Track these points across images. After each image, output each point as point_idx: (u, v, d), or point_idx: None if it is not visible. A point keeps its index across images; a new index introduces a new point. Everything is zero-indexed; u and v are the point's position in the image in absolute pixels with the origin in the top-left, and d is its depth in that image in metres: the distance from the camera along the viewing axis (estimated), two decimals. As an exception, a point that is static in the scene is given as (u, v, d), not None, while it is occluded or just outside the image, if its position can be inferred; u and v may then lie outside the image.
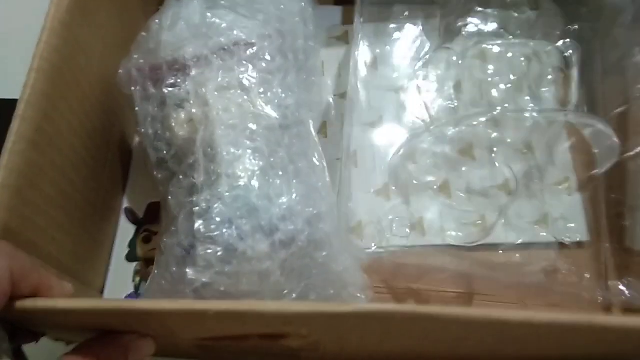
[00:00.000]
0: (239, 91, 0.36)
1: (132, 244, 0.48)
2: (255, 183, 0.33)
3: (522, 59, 0.51)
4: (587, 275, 0.44)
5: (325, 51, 0.51)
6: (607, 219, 0.45)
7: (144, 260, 0.47)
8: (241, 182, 0.33)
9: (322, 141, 0.40)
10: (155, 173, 0.38)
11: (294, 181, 0.34)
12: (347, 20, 0.56)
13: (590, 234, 0.45)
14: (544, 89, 0.49)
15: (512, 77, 0.49)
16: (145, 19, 0.42)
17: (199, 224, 0.31)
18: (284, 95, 0.37)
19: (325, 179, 0.37)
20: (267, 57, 0.38)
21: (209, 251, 0.31)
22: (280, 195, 0.33)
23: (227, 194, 0.32)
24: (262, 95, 0.37)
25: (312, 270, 0.34)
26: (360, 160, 0.47)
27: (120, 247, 0.47)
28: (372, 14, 0.50)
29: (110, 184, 0.47)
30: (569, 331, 0.26)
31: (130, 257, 0.47)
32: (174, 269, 0.33)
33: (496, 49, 0.50)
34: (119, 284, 0.46)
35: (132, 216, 0.49)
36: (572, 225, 0.45)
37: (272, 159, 0.34)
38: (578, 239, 0.45)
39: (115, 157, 0.47)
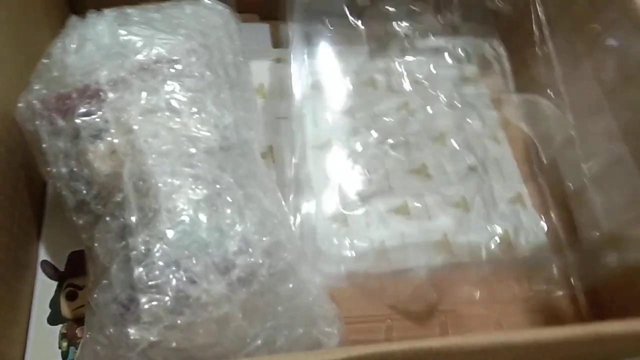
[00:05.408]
0: (167, 113, 0.32)
1: (54, 304, 0.41)
2: (201, 215, 0.28)
3: (450, 61, 0.50)
4: (555, 273, 0.44)
5: (266, 73, 0.49)
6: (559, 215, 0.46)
7: (72, 320, 0.40)
8: (184, 216, 0.28)
9: (270, 167, 0.37)
10: (75, 219, 0.32)
11: (246, 207, 0.30)
12: (277, 36, 0.53)
13: (549, 236, 0.45)
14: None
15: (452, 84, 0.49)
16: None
17: (138, 271, 0.26)
18: (219, 113, 0.33)
19: (280, 201, 0.34)
20: (196, 74, 0.34)
21: (155, 303, 0.26)
22: (232, 226, 0.29)
23: (169, 231, 0.27)
24: (196, 116, 0.32)
25: (277, 308, 0.30)
26: (314, 186, 0.44)
27: (40, 308, 0.41)
28: (304, 30, 0.48)
29: (22, 235, 0.40)
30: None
31: (54, 320, 0.40)
32: (111, 330, 0.27)
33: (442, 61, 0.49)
34: (42, 353, 0.39)
35: (51, 270, 0.42)
36: (532, 234, 0.45)
37: (217, 186, 0.30)
38: (539, 245, 0.44)
39: (26, 204, 0.41)
